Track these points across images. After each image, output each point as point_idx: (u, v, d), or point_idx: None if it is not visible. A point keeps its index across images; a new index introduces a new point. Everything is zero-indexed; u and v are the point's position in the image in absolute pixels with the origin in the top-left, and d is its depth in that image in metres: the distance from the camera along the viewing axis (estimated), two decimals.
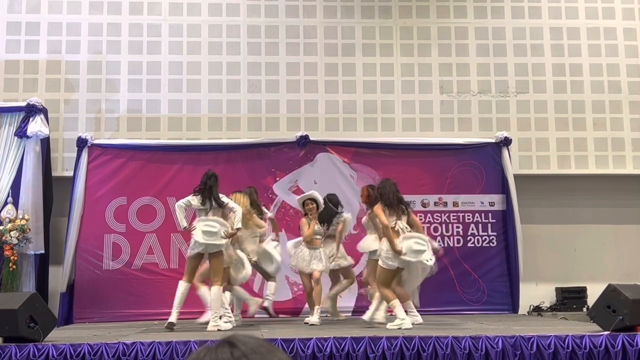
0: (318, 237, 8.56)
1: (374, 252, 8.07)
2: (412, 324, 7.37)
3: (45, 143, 9.94)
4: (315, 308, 8.32)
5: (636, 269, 10.62)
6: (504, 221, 10.52)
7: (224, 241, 7.54)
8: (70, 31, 10.77)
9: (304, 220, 8.66)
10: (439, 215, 10.41)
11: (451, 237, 10.36)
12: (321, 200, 8.64)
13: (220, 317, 7.46)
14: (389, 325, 7.35)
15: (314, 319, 8.21)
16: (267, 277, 8.85)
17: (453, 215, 10.42)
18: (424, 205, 10.39)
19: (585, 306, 10.21)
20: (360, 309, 9.82)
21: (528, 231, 10.56)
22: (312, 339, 6.20)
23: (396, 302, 7.42)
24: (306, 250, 8.52)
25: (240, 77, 10.92)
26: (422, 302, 9.58)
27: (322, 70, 11.04)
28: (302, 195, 8.86)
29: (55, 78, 10.62)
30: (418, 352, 6.17)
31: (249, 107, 10.86)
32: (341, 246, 8.86)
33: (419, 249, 7.40)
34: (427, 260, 7.45)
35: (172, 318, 7.52)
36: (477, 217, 10.50)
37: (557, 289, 10.72)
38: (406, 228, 7.49)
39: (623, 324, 6.37)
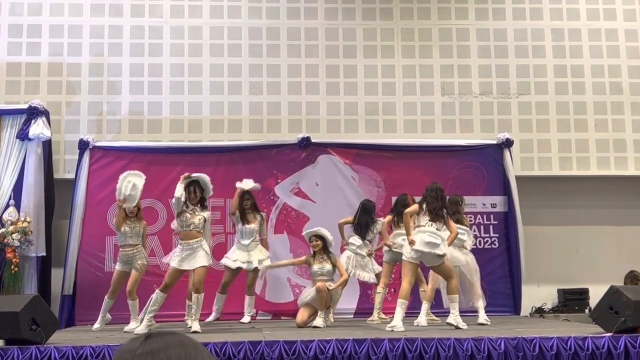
0: (321, 277, 8.40)
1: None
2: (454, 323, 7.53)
3: (47, 145, 9.95)
4: (319, 312, 8.29)
5: (638, 270, 10.61)
6: (506, 222, 10.51)
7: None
8: (71, 33, 10.78)
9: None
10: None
11: None
12: (329, 238, 8.55)
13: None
14: (387, 327, 7.40)
15: (318, 321, 8.19)
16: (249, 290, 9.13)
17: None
18: None
19: (588, 308, 10.20)
20: (362, 310, 9.82)
21: (530, 232, 10.55)
22: (314, 340, 6.20)
23: (401, 302, 7.51)
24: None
25: (241, 79, 10.92)
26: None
27: (324, 72, 11.04)
28: (309, 231, 8.73)
29: (56, 80, 10.63)
30: (420, 353, 6.17)
31: (250, 109, 10.86)
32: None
33: (431, 241, 7.49)
34: (440, 253, 7.57)
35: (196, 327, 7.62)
36: (478, 219, 10.49)
37: (559, 291, 10.72)
38: (436, 229, 7.60)
39: (625, 326, 6.37)
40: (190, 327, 7.60)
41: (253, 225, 9.00)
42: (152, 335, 1.71)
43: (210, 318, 8.87)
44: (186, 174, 7.91)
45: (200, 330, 7.46)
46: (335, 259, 8.54)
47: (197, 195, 7.87)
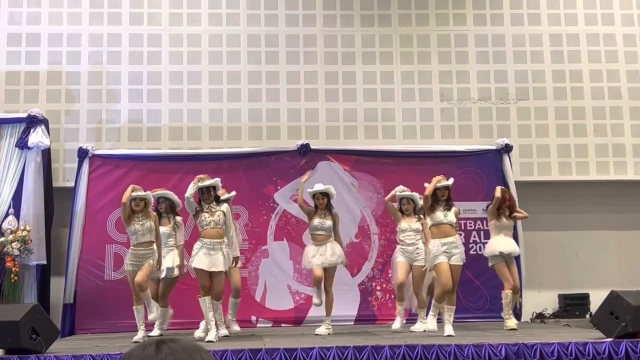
0: (321, 232, 8.32)
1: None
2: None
3: (46, 154, 9.94)
4: (326, 318, 8.21)
5: (638, 275, 10.60)
6: None
7: None
8: (70, 42, 10.79)
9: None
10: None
11: None
12: (333, 193, 8.51)
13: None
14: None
15: (321, 329, 8.12)
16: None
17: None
18: None
19: (588, 313, 10.19)
20: (363, 317, 9.80)
21: (530, 238, 10.54)
22: (314, 348, 6.19)
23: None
24: (312, 247, 8.37)
25: (240, 86, 10.93)
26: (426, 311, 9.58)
27: (323, 79, 11.05)
28: (315, 189, 8.47)
29: (55, 89, 10.64)
30: None
31: (249, 116, 10.87)
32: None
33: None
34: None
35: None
36: (478, 224, 10.48)
37: (559, 296, 10.70)
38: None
39: (626, 331, 6.37)
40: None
41: (163, 229, 8.42)
42: (163, 341, 1.72)
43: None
44: (202, 177, 7.76)
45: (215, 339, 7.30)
46: (338, 218, 8.47)
47: (211, 194, 7.73)
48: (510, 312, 8.64)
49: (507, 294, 8.62)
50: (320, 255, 8.21)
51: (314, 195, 8.41)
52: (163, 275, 8.34)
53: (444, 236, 7.86)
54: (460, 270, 8.05)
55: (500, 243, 8.82)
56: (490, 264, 8.90)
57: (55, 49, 10.74)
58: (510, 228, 9.02)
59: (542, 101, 11.17)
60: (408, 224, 8.47)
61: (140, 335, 7.79)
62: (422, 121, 11.05)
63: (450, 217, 7.97)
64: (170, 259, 8.42)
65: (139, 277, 7.74)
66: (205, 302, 7.55)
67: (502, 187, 9.29)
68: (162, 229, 8.34)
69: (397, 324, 8.27)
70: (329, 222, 8.30)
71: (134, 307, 7.94)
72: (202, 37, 11.02)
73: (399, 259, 8.44)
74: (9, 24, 10.74)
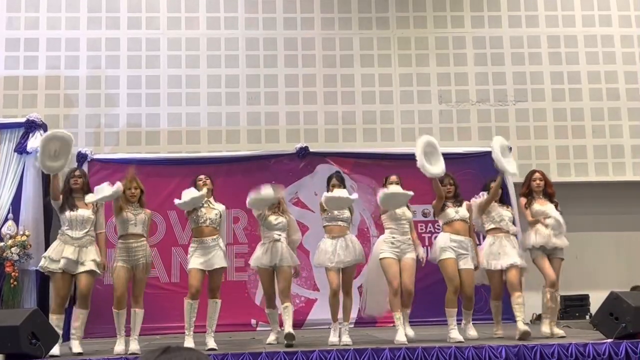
0: (340, 223, 7.28)
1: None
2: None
3: None
4: (344, 324, 7.10)
5: (638, 276, 10.60)
6: None
7: None
8: (69, 46, 10.80)
9: None
10: (440, 225, 10.38)
11: None
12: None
13: None
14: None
15: (345, 339, 6.88)
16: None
17: None
18: (424, 215, 10.36)
19: (588, 314, 10.19)
20: (363, 320, 9.78)
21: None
22: (314, 351, 6.19)
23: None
24: (328, 241, 7.23)
25: (239, 90, 10.95)
26: (425, 313, 9.56)
27: (321, 82, 11.07)
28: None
29: (54, 93, 10.65)
30: None
31: (248, 120, 10.88)
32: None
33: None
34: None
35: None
36: None
37: (559, 297, 10.69)
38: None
39: (626, 332, 6.37)
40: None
41: (84, 213, 6.97)
42: (170, 348, 1.70)
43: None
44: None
45: (217, 347, 6.70)
46: (353, 209, 7.50)
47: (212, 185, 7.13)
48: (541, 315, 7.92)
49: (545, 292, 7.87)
50: (340, 250, 7.09)
51: (329, 182, 7.37)
52: (89, 269, 6.91)
53: (455, 234, 7.44)
54: (472, 276, 7.36)
55: (528, 236, 7.98)
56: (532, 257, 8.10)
57: (53, 54, 10.75)
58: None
59: (540, 103, 11.19)
60: (402, 211, 7.34)
61: (120, 347, 6.84)
62: (421, 123, 11.06)
63: (463, 212, 7.54)
64: (94, 251, 7.01)
65: (136, 290, 7.21)
66: (191, 306, 6.91)
67: (533, 171, 8.34)
68: (80, 213, 6.93)
69: (401, 336, 6.90)
70: (347, 213, 7.27)
71: (113, 310, 7.09)
72: (201, 40, 11.04)
73: (387, 255, 7.12)
74: (7, 29, 10.76)
